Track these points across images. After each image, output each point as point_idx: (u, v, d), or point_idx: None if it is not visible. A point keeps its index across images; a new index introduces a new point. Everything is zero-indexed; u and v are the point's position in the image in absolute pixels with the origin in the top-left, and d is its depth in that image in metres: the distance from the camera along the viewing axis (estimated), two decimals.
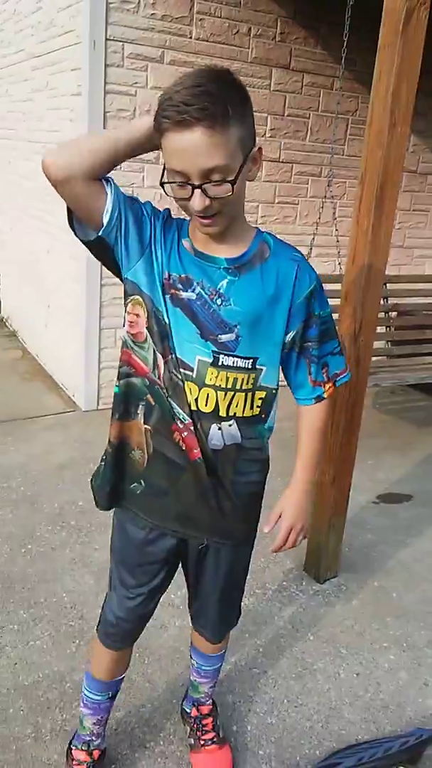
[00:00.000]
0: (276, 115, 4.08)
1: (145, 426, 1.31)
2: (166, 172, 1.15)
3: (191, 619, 1.63)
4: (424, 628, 2.30)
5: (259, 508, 1.46)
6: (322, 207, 3.82)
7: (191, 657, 1.72)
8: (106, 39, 3.37)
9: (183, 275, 1.23)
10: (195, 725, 1.75)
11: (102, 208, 1.18)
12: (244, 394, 1.27)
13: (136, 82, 3.51)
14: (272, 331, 1.28)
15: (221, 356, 1.24)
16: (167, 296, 1.23)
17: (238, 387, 1.26)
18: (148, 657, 2.04)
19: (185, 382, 1.24)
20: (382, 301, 3.75)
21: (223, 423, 1.27)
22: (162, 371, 1.26)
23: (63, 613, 2.22)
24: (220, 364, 1.24)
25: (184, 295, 1.23)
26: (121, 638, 1.53)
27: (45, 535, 2.65)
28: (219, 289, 1.23)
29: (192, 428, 1.26)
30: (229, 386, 1.25)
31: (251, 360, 1.26)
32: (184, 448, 1.29)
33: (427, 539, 2.87)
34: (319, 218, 3.84)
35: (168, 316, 1.23)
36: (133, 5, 3.39)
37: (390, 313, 4.26)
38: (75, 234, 1.26)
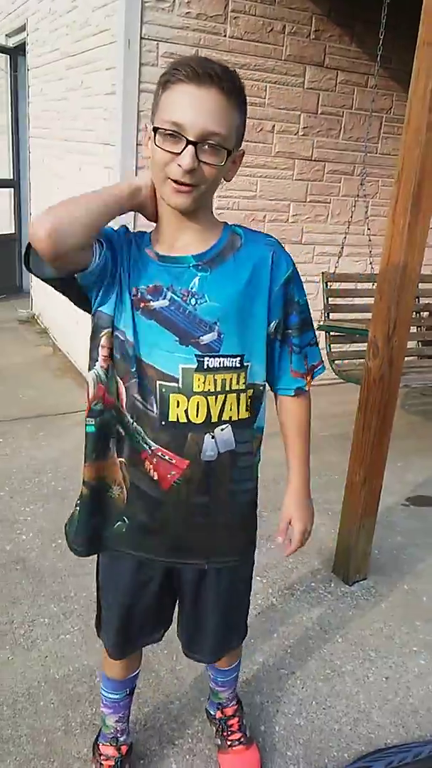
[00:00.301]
0: (309, 113, 4.05)
1: (120, 459, 1.27)
2: (158, 122, 1.10)
3: (183, 645, 1.54)
4: None
5: (256, 515, 1.42)
6: (354, 206, 3.79)
7: (207, 668, 1.72)
8: (141, 38, 3.38)
9: (151, 285, 1.18)
10: (220, 727, 1.74)
11: (86, 261, 1.14)
12: (235, 395, 1.22)
13: None
14: (254, 323, 1.23)
15: (206, 359, 1.18)
16: (138, 311, 1.18)
17: (228, 388, 1.20)
18: (176, 654, 2.04)
19: (170, 395, 1.18)
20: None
21: (216, 430, 1.21)
22: (124, 397, 1.21)
23: (93, 607, 2.21)
24: (205, 367, 1.18)
25: (155, 304, 1.18)
26: (124, 652, 1.51)
27: None
28: (191, 288, 1.18)
29: (160, 454, 1.21)
30: (219, 389, 1.20)
31: (238, 358, 1.21)
32: (155, 477, 1.23)
33: None
34: (351, 217, 3.81)
35: (138, 333, 1.18)
36: (168, 4, 3.40)
37: (421, 313, 4.21)
38: (28, 268, 1.17)
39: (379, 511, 2.49)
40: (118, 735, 1.63)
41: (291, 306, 1.26)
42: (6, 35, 6.13)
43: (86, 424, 1.26)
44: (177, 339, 1.18)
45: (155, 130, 1.11)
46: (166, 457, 1.22)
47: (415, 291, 2.28)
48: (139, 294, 1.19)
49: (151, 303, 1.18)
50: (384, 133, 4.38)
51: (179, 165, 1.09)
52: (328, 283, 3.68)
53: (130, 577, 1.39)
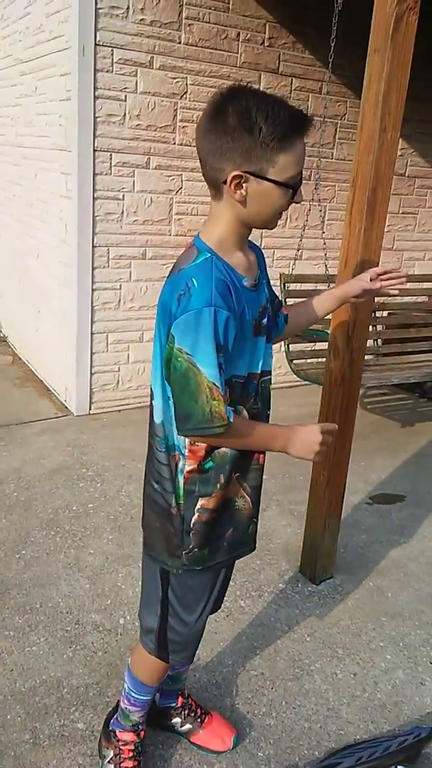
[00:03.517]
0: None
1: (236, 475, 1.39)
2: (281, 182, 1.21)
3: None
4: (420, 627, 2.32)
5: None
6: (310, 210, 3.85)
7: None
8: (96, 44, 3.37)
9: (261, 309, 1.34)
10: (186, 711, 1.80)
11: None
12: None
13: (125, 87, 3.52)
14: None
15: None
16: (259, 335, 1.34)
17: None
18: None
19: (268, 386, 1.41)
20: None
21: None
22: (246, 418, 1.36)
23: (59, 618, 2.22)
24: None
25: (264, 320, 1.35)
26: (193, 653, 1.61)
27: (39, 540, 2.64)
28: (267, 293, 1.39)
29: None
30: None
31: None
32: (262, 460, 1.43)
33: (421, 539, 2.89)
34: (307, 221, 3.86)
35: (249, 353, 1.32)
36: (122, 11, 3.40)
37: (376, 312, 4.29)
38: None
39: (344, 510, 2.53)
40: (139, 724, 1.68)
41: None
42: None
43: (204, 465, 1.34)
44: (267, 341, 1.38)
45: (295, 191, 1.25)
46: None
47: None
48: (255, 321, 1.32)
49: (262, 321, 1.35)
50: (339, 138, 4.46)
51: (301, 199, 1.27)
52: (286, 285, 3.73)
53: (221, 581, 1.53)
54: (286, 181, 1.21)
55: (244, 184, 1.20)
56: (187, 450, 1.32)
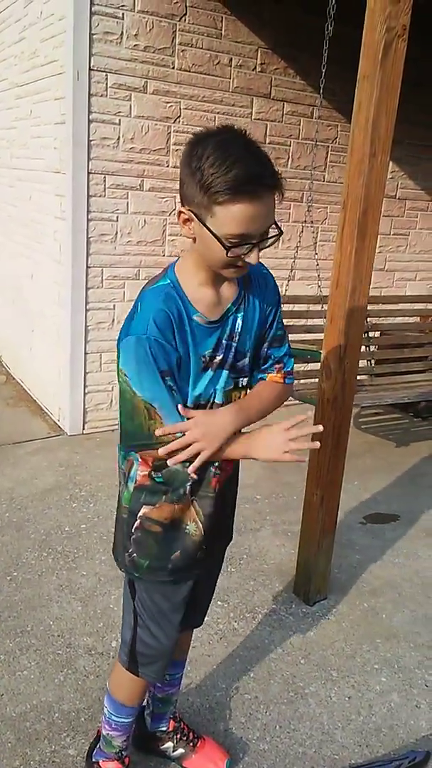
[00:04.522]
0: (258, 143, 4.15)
1: (192, 498, 1.39)
2: (216, 234, 1.15)
3: (186, 625, 1.62)
4: (414, 648, 2.30)
5: None
6: (302, 231, 3.89)
7: (154, 694, 1.75)
8: (90, 69, 3.42)
9: (214, 345, 1.30)
10: (178, 735, 1.78)
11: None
12: None
13: (119, 111, 3.57)
14: (261, 344, 1.41)
15: (239, 379, 1.37)
16: (208, 370, 1.30)
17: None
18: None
19: None
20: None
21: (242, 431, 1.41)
22: None
23: (50, 641, 2.19)
24: (239, 386, 1.38)
25: (218, 356, 1.31)
26: (166, 668, 1.59)
27: (31, 562, 2.62)
28: (237, 329, 1.33)
29: (223, 466, 1.39)
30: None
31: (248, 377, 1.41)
32: (217, 488, 1.40)
33: (415, 559, 2.88)
34: (300, 242, 3.90)
35: (200, 385, 1.30)
36: (116, 36, 3.46)
37: (369, 333, 4.32)
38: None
39: (338, 529, 2.53)
40: (123, 750, 1.66)
41: (276, 322, 1.43)
42: None
43: (155, 477, 1.35)
44: (229, 372, 1.34)
45: (228, 249, 1.15)
46: (224, 466, 1.40)
47: (364, 313, 2.35)
48: (207, 357, 1.30)
49: (215, 357, 1.31)
50: (330, 161, 4.52)
51: (249, 261, 1.18)
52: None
53: (187, 593, 1.49)
54: (223, 237, 1.14)
55: (191, 222, 1.19)
56: (140, 457, 1.36)
